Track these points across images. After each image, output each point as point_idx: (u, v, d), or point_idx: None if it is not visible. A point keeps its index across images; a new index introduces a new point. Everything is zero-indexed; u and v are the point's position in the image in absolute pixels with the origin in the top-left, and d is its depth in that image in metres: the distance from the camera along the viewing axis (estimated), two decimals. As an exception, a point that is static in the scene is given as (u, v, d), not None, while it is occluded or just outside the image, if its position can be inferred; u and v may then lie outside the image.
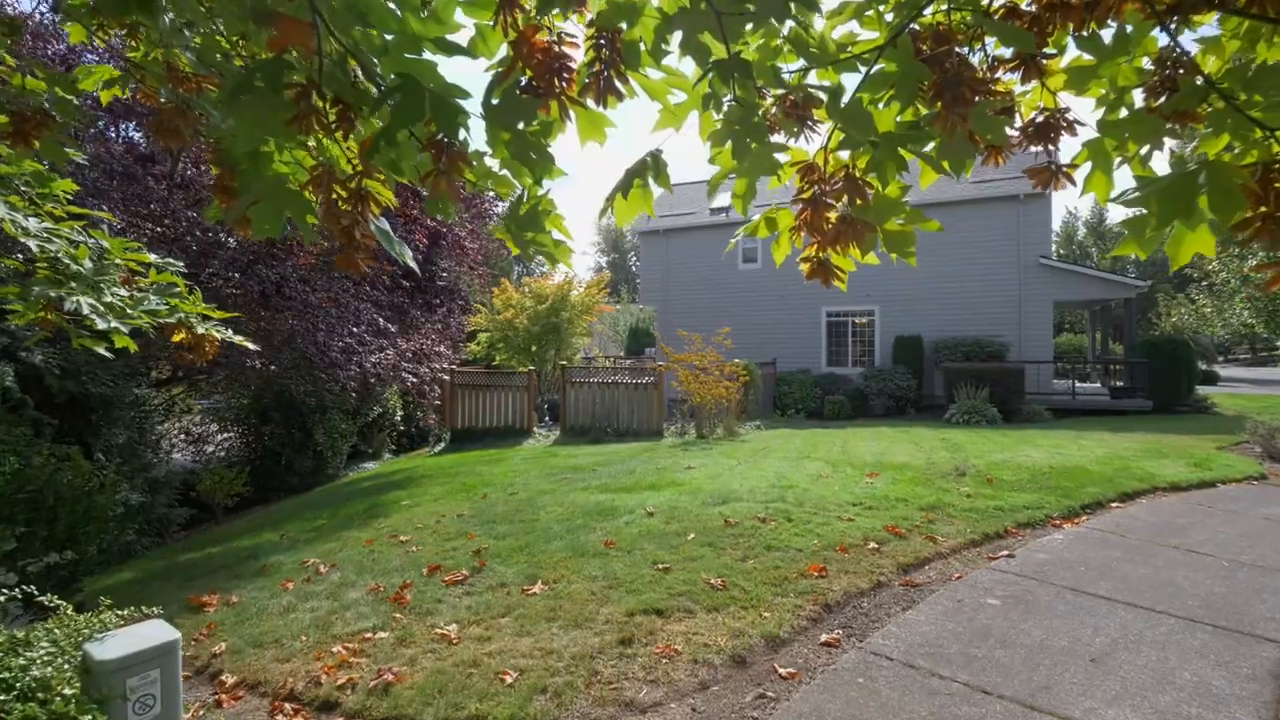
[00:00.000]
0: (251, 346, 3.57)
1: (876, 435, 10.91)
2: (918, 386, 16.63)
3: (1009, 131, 1.52)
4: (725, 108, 1.49)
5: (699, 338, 12.86)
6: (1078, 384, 16.83)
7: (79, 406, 5.55)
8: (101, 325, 2.77)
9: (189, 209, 6.36)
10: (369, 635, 3.50)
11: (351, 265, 1.46)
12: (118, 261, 3.16)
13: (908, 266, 17.95)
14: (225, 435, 12.40)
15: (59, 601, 2.53)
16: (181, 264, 3.52)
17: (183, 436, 10.82)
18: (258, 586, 4.47)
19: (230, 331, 3.34)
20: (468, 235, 9.50)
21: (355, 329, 7.06)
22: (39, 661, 2.19)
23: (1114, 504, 6.10)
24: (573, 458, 9.29)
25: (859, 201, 1.45)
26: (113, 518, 5.73)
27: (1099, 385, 19.75)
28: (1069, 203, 58.05)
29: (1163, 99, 1.51)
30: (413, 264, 1.71)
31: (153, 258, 3.29)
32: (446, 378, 10.98)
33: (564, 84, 1.36)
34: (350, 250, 1.45)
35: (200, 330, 3.18)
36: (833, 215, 1.56)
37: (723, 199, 22.56)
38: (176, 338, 3.19)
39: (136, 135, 7.19)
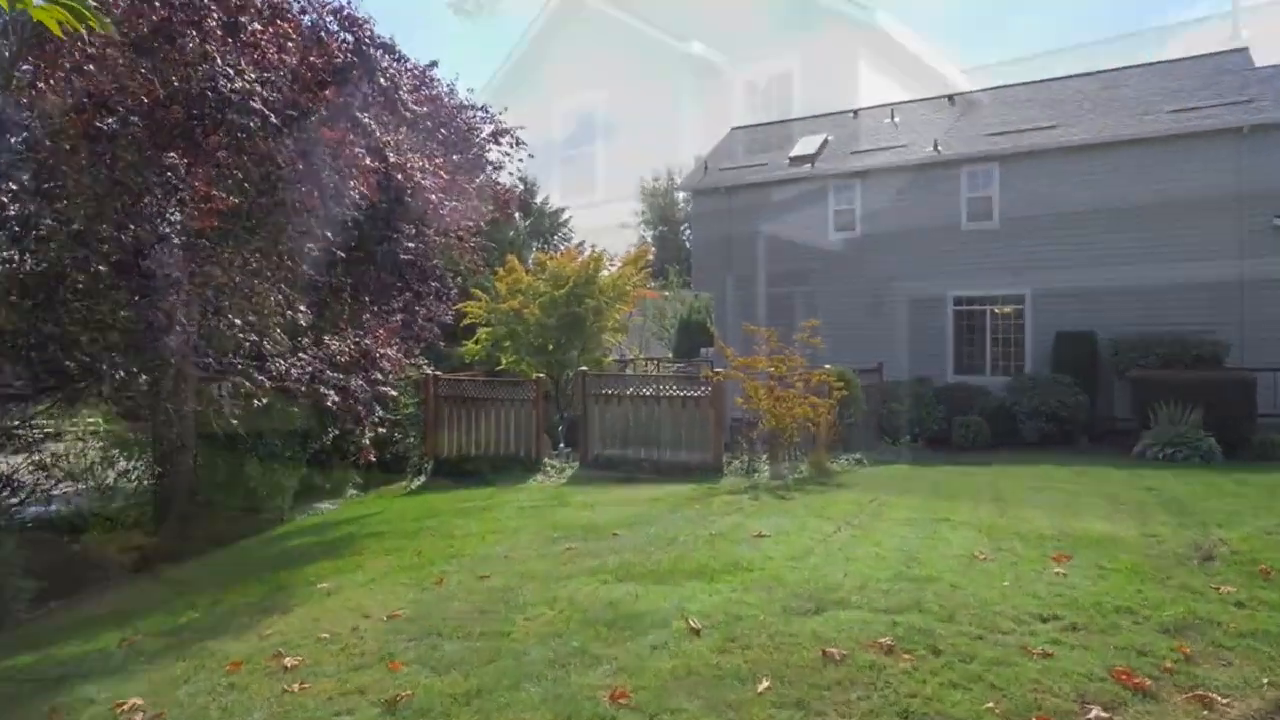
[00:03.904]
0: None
1: (1043, 481, 9.31)
2: (1089, 404, 14.77)
3: None
4: None
5: (773, 334, 11.46)
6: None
7: None
8: None
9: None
10: None
11: None
12: None
13: (1069, 236, 16.14)
14: (133, 466, 11.70)
15: None
16: None
17: (59, 471, 10.08)
18: (18, 760, 3.36)
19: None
20: (441, 186, 8.26)
21: (244, 320, 5.89)
22: None
23: None
24: (588, 509, 8.10)
25: None
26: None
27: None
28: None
29: None
30: None
31: None
32: (394, 392, 9.90)
33: None
34: None
35: None
36: None
37: (807, 144, 20.94)
38: None
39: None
